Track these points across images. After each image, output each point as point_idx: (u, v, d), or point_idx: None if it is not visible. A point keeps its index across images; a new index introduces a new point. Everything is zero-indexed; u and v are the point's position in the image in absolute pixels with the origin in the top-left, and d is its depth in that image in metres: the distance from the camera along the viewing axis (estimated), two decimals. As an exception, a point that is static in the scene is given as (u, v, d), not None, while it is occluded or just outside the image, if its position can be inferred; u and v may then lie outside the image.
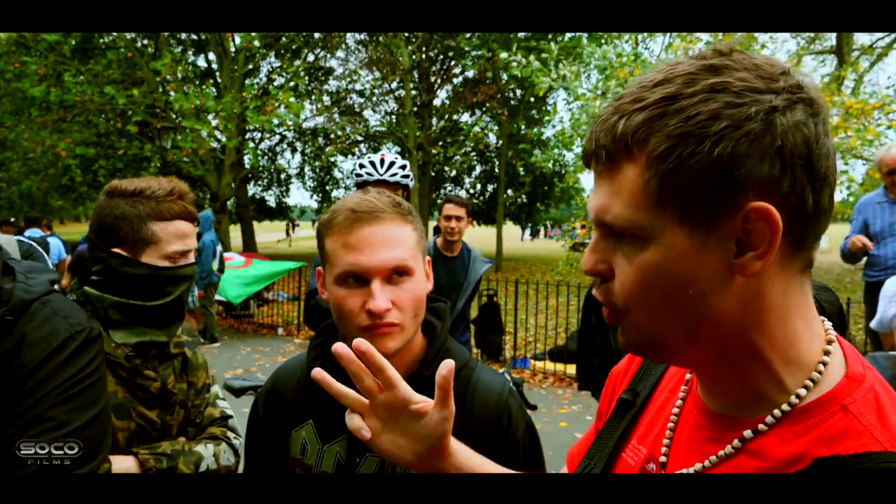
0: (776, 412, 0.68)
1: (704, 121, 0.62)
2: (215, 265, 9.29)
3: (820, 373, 0.69)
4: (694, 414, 0.79)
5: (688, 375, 0.85)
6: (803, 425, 0.67)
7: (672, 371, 0.91)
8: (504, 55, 9.12)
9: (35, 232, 10.49)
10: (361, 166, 3.10)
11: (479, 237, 35.24)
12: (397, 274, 1.20)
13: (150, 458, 1.56)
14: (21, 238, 2.23)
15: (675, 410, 0.83)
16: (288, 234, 41.85)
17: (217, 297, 10.04)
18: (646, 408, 0.91)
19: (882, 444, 0.63)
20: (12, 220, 12.63)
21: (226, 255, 11.07)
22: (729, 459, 0.71)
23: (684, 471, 0.76)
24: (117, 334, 1.64)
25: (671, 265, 0.65)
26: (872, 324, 3.05)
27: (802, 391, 0.68)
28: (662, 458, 0.81)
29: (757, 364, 0.69)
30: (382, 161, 3.07)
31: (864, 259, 4.91)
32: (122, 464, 1.53)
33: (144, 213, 1.62)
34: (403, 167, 3.08)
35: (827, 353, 0.70)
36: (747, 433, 0.70)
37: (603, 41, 9.71)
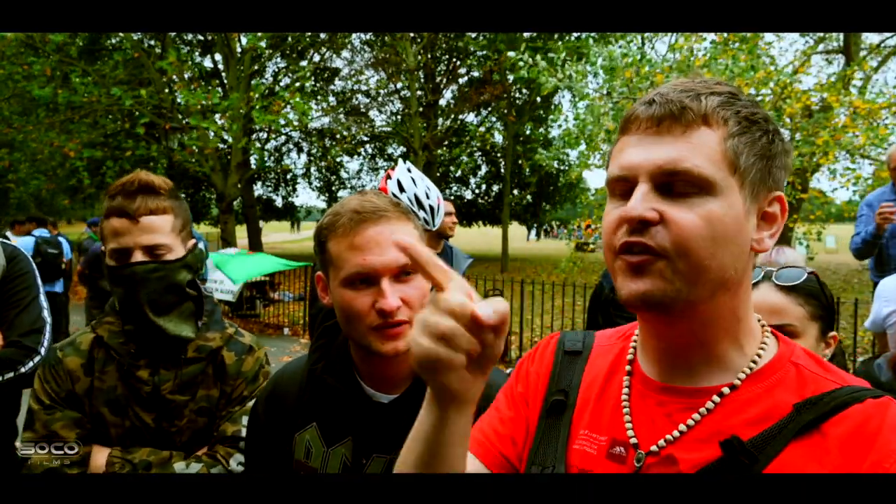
0: (741, 374, 0.83)
1: (763, 119, 0.83)
2: None
3: (766, 341, 0.88)
4: (649, 394, 0.88)
5: (628, 367, 0.93)
6: (767, 381, 0.83)
7: (593, 365, 0.97)
8: (511, 54, 9.11)
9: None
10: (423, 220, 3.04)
11: (484, 237, 35.22)
12: (405, 272, 1.20)
13: (117, 463, 1.54)
14: (5, 241, 2.21)
15: (625, 396, 0.90)
16: (297, 227, 50.22)
17: (221, 294, 10.04)
18: (579, 401, 0.95)
19: (836, 383, 0.80)
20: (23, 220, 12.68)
21: (229, 250, 11.05)
22: (703, 419, 0.82)
23: (661, 442, 0.83)
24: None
25: (729, 220, 0.79)
26: (866, 324, 3.00)
27: (761, 351, 0.86)
28: (633, 440, 0.86)
29: (733, 329, 0.85)
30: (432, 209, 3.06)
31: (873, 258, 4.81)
32: (97, 458, 1.55)
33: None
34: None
35: (764, 329, 0.90)
36: (725, 390, 0.82)
37: (610, 42, 9.65)
